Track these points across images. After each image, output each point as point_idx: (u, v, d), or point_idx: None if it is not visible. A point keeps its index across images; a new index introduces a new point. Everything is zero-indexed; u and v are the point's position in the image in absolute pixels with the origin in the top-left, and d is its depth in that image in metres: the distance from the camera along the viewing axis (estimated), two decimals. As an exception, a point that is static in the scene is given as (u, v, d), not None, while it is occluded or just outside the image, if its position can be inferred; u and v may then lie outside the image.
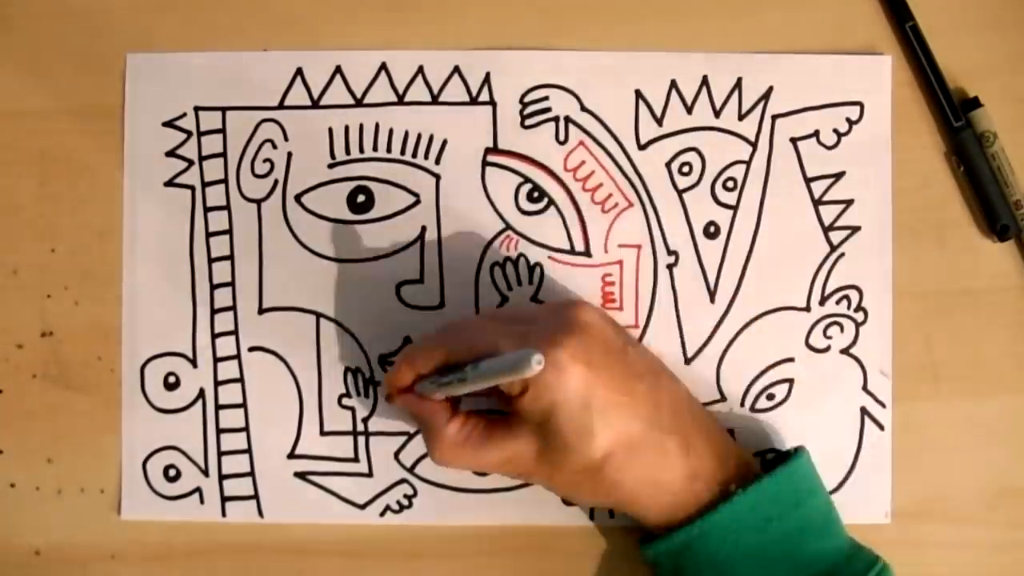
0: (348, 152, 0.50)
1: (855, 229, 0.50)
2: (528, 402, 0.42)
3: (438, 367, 0.44)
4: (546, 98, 0.50)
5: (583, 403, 0.41)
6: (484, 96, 0.50)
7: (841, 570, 0.43)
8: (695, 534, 0.43)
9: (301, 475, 0.50)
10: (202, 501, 0.50)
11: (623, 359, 0.43)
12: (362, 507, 0.50)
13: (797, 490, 0.44)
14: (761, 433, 0.50)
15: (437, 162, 0.50)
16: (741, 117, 0.50)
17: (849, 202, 0.50)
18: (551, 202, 0.50)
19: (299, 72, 0.50)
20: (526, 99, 0.50)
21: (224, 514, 0.50)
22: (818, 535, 0.44)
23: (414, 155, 0.50)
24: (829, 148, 0.50)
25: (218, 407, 0.50)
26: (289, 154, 0.50)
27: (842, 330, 0.50)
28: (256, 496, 0.50)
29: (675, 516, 0.44)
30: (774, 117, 0.50)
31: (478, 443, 0.44)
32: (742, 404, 0.50)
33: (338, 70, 0.50)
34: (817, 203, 0.50)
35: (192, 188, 0.50)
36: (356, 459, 0.50)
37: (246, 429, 0.50)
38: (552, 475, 0.44)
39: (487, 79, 0.50)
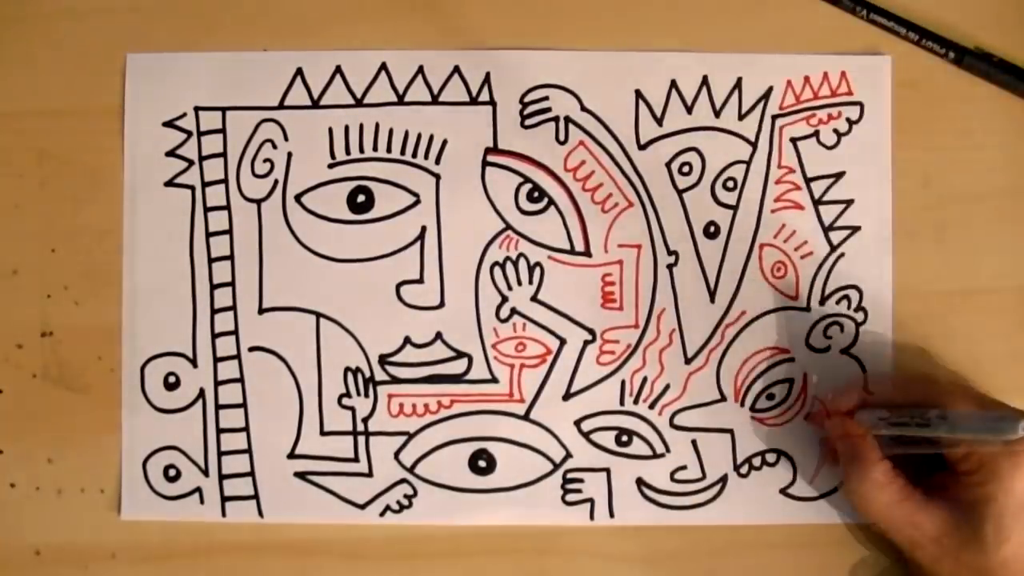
0: (348, 152, 0.50)
1: (855, 229, 0.50)
2: (972, 480, 0.42)
3: (889, 405, 0.44)
4: (546, 98, 0.50)
5: (1018, 509, 0.42)
6: (484, 96, 0.50)
7: None
8: None
9: (301, 475, 0.50)
10: (202, 501, 0.50)
11: None
12: (362, 507, 0.50)
13: None
14: (761, 433, 0.50)
15: (437, 162, 0.50)
16: (741, 117, 0.50)
17: (849, 202, 0.50)
18: (551, 202, 0.50)
19: (299, 72, 0.50)
20: (526, 99, 0.50)
21: (224, 514, 0.50)
22: None
23: (414, 155, 0.50)
24: (829, 148, 0.50)
25: (218, 407, 0.50)
26: (289, 154, 0.50)
27: (842, 330, 0.50)
28: (256, 496, 0.50)
29: None
30: (774, 117, 0.50)
31: (899, 493, 0.44)
32: (742, 404, 0.50)
33: (338, 70, 0.50)
34: (817, 203, 0.50)
35: (192, 188, 0.50)
36: (356, 459, 0.50)
37: (246, 429, 0.50)
38: (941, 561, 0.44)
39: (487, 79, 0.50)
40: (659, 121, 0.50)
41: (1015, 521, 0.42)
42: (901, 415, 0.44)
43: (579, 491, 0.50)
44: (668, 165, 0.50)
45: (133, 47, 0.50)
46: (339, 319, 0.50)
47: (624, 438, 0.50)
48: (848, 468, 0.45)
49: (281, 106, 0.50)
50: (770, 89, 0.50)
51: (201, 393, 0.50)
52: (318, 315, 0.50)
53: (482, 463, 0.50)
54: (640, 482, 0.50)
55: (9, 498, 0.50)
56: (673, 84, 0.50)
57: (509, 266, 0.50)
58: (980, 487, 0.42)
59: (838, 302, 0.50)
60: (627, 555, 0.50)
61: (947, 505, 0.43)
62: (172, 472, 0.50)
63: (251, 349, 0.50)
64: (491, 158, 0.50)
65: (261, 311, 0.50)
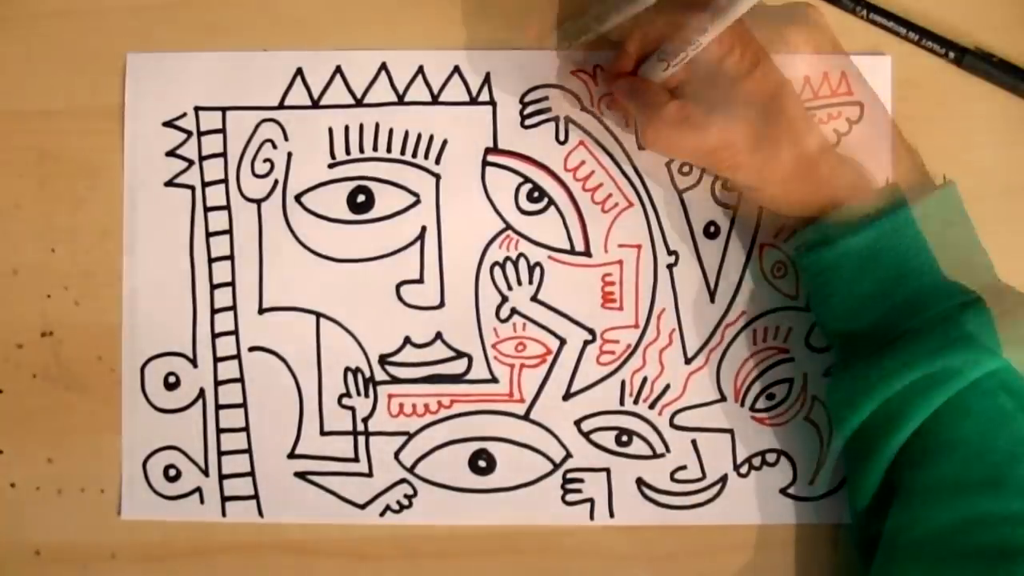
0: (348, 152, 0.50)
1: (855, 229, 0.50)
2: (757, 78, 0.42)
3: (655, 42, 0.44)
4: (546, 98, 0.50)
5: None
6: (484, 96, 0.50)
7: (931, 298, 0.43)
8: (896, 224, 0.43)
9: (301, 475, 0.50)
10: (202, 501, 0.50)
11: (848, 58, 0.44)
12: (362, 507, 0.50)
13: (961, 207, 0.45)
14: (761, 433, 0.50)
15: (437, 162, 0.50)
16: (741, 117, 0.50)
17: (849, 202, 0.50)
18: (551, 202, 0.50)
19: (299, 72, 0.50)
20: (526, 99, 0.50)
21: (224, 514, 0.50)
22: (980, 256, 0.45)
23: (414, 155, 0.50)
24: (829, 148, 0.50)
25: (218, 407, 0.50)
26: (289, 154, 0.50)
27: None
28: (256, 496, 0.50)
29: (861, 212, 0.43)
30: (774, 117, 0.50)
31: (697, 123, 0.43)
32: (742, 404, 0.50)
33: (338, 70, 0.50)
34: (817, 203, 0.50)
35: (192, 188, 0.50)
36: (356, 459, 0.50)
37: (246, 429, 0.50)
38: (763, 167, 0.43)
39: (487, 79, 0.50)
40: (659, 121, 0.50)
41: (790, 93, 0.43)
42: (670, 48, 0.43)
43: (579, 491, 0.50)
44: (668, 165, 0.50)
45: (133, 47, 0.50)
46: (339, 319, 0.50)
47: (624, 438, 0.50)
48: (643, 117, 0.44)
49: (281, 106, 0.50)
50: (770, 89, 0.50)
51: (201, 393, 0.50)
52: (318, 315, 0.50)
53: (482, 463, 0.50)
54: (640, 482, 0.50)
55: (9, 498, 0.50)
56: (673, 84, 0.50)
57: (509, 266, 0.50)
58: (766, 79, 0.42)
59: (838, 302, 0.50)
60: (627, 555, 0.50)
61: (747, 112, 0.43)
62: (172, 472, 0.50)
63: (251, 349, 0.50)
64: (491, 158, 0.50)
65: (261, 311, 0.50)
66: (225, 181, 0.50)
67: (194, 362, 0.50)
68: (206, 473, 0.50)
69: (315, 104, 0.50)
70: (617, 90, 0.46)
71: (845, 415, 0.44)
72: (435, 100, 0.50)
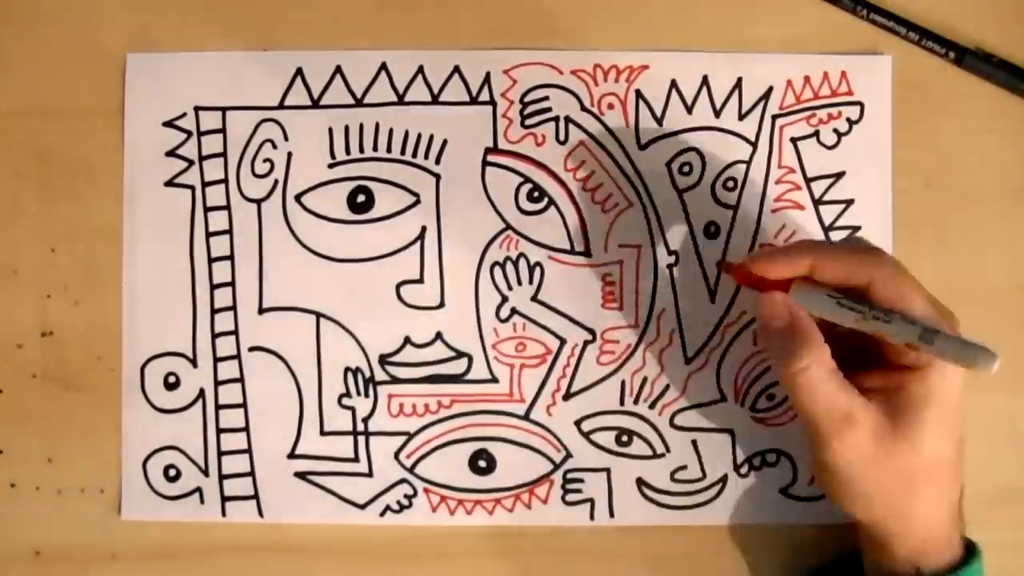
0: (348, 152, 0.50)
1: (855, 229, 0.50)
2: (913, 376, 0.40)
3: (833, 283, 0.41)
4: (546, 98, 0.50)
5: (955, 408, 0.41)
6: (484, 96, 0.50)
7: None
8: None
9: (301, 475, 0.50)
10: (202, 501, 0.50)
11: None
12: (362, 507, 0.50)
13: None
14: (761, 433, 0.50)
15: (437, 162, 0.50)
16: (741, 117, 0.50)
17: (849, 202, 0.50)
18: (551, 202, 0.50)
19: (299, 72, 0.50)
20: (526, 99, 0.50)
21: (224, 514, 0.50)
22: None
23: (414, 155, 0.50)
24: (829, 148, 0.50)
25: (218, 407, 0.50)
26: (289, 154, 0.50)
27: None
28: (256, 496, 0.50)
29: (921, 555, 0.42)
30: (774, 117, 0.50)
31: (840, 383, 0.40)
32: (742, 404, 0.50)
33: (338, 70, 0.50)
34: (817, 203, 0.50)
35: (192, 188, 0.50)
36: (356, 459, 0.50)
37: (246, 429, 0.50)
38: (870, 462, 0.40)
39: (487, 79, 0.50)
40: (659, 121, 0.50)
41: (953, 420, 0.40)
42: (852, 305, 0.40)
43: (579, 491, 0.50)
44: (668, 165, 0.50)
45: (133, 47, 0.50)
46: (339, 319, 0.50)
47: (624, 438, 0.50)
48: (792, 348, 0.40)
49: (281, 106, 0.50)
50: (770, 89, 0.50)
51: (201, 393, 0.50)
52: (318, 315, 0.50)
53: (482, 463, 0.50)
54: (640, 482, 0.50)
55: (9, 498, 0.50)
56: (673, 84, 0.50)
57: (509, 266, 0.50)
58: (920, 384, 0.40)
59: (838, 302, 0.50)
60: (627, 555, 0.50)
61: (883, 400, 0.40)
62: (172, 472, 0.50)
63: (251, 349, 0.50)
64: (491, 158, 0.50)
65: (261, 311, 0.50)
66: (225, 181, 0.50)
67: (194, 362, 0.50)
68: (206, 473, 0.50)
69: (315, 104, 0.50)
70: (770, 303, 0.41)
71: None
72: (435, 100, 0.50)
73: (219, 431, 0.50)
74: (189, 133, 0.50)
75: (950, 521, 0.43)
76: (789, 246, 0.42)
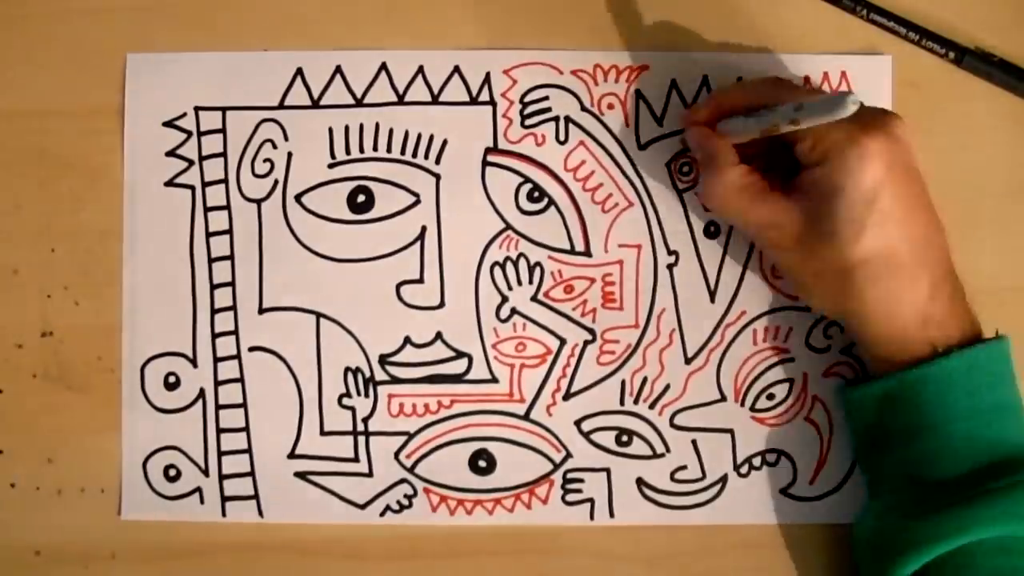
0: (348, 152, 0.50)
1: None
2: (819, 174, 0.42)
3: (744, 107, 0.45)
4: (546, 98, 0.50)
5: (868, 198, 0.42)
6: (484, 96, 0.50)
7: None
8: (909, 381, 0.43)
9: (301, 475, 0.50)
10: (202, 501, 0.50)
11: (918, 183, 0.44)
12: (362, 507, 0.50)
13: (1006, 367, 0.44)
14: (761, 433, 0.50)
15: (437, 162, 0.50)
16: (741, 117, 0.50)
17: (849, 202, 0.50)
18: (551, 202, 0.50)
19: (299, 72, 0.50)
20: (526, 99, 0.50)
21: (224, 514, 0.50)
22: (1017, 417, 0.44)
23: (414, 155, 0.50)
24: (829, 148, 0.50)
25: (218, 407, 0.50)
26: (289, 154, 0.50)
27: (842, 330, 0.50)
28: (256, 496, 0.50)
29: (893, 355, 0.44)
30: (774, 117, 0.50)
31: (754, 195, 0.44)
32: (742, 404, 0.50)
33: (338, 70, 0.50)
34: (817, 203, 0.50)
35: (192, 188, 0.50)
36: (356, 459, 0.50)
37: (246, 429, 0.50)
38: (803, 260, 0.44)
39: (487, 79, 0.50)
40: (659, 121, 0.50)
41: (867, 214, 0.42)
42: (754, 114, 0.44)
43: (579, 491, 0.50)
44: (668, 165, 0.50)
45: (133, 47, 0.50)
46: (339, 319, 0.50)
47: (624, 438, 0.50)
48: (706, 172, 0.45)
49: (281, 106, 0.50)
50: (770, 89, 0.50)
51: (201, 393, 0.50)
52: (318, 315, 0.50)
53: (482, 463, 0.50)
54: (640, 482, 0.50)
55: (9, 498, 0.50)
56: (673, 84, 0.50)
57: (509, 266, 0.50)
58: (828, 178, 0.42)
59: (838, 302, 0.50)
60: (627, 555, 0.50)
61: (802, 202, 0.43)
62: (172, 472, 0.50)
63: (251, 349, 0.50)
64: (491, 158, 0.50)
65: (261, 311, 0.50)
66: (225, 181, 0.50)
67: (194, 362, 0.50)
68: (206, 473, 0.50)
69: (315, 104, 0.50)
70: (691, 136, 0.47)
71: (910, 555, 0.43)
72: (435, 100, 0.50)
73: (219, 431, 0.50)
74: (189, 133, 0.50)
75: (915, 321, 0.43)
76: (705, 98, 0.48)
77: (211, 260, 0.50)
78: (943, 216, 0.50)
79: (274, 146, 0.50)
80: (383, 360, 0.50)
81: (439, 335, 0.50)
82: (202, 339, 0.50)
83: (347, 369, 0.50)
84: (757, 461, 0.50)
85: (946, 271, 0.44)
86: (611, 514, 0.50)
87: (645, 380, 0.50)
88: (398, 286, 0.50)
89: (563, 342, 0.50)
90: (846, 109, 0.39)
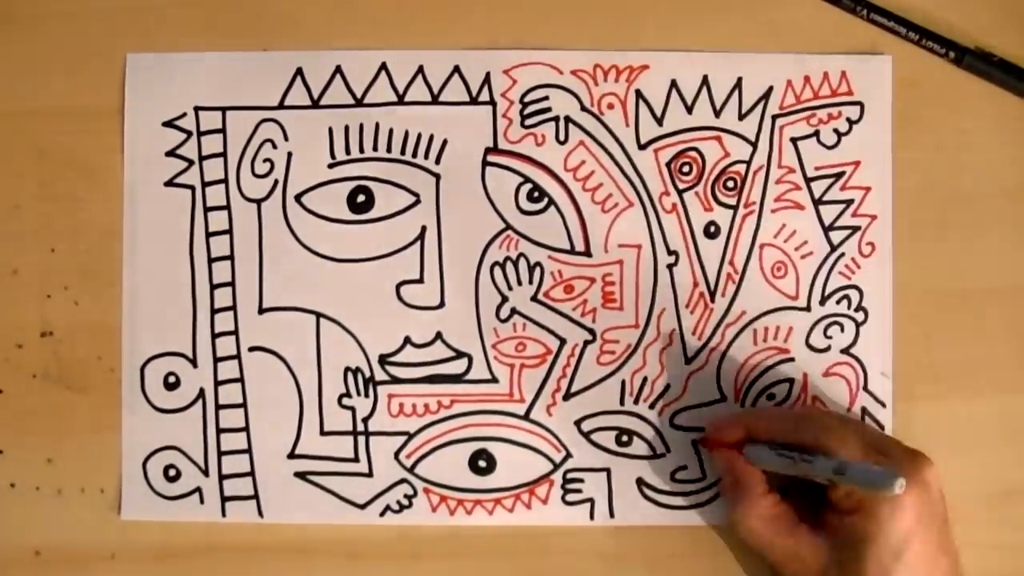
0: (348, 152, 0.50)
1: (855, 229, 0.50)
2: (854, 521, 0.43)
3: (775, 441, 0.45)
4: (546, 98, 0.50)
5: (897, 551, 0.42)
6: (484, 96, 0.50)
7: None
8: None
9: (301, 475, 0.50)
10: (202, 501, 0.50)
11: (945, 530, 0.44)
12: (362, 507, 0.50)
13: None
14: (761, 433, 0.50)
15: (437, 162, 0.50)
16: (741, 117, 0.50)
17: (849, 202, 0.50)
18: (551, 202, 0.50)
19: (299, 72, 0.50)
20: (526, 99, 0.50)
21: (224, 514, 0.50)
22: None
23: (414, 155, 0.50)
24: (829, 148, 0.50)
25: (218, 407, 0.50)
26: (289, 154, 0.50)
27: (842, 330, 0.50)
28: (256, 496, 0.50)
29: None
30: (774, 117, 0.50)
31: (782, 526, 0.45)
32: (742, 404, 0.50)
33: (338, 70, 0.50)
34: (817, 203, 0.50)
35: (192, 188, 0.50)
36: (356, 459, 0.50)
37: (246, 429, 0.50)
38: None
39: (487, 79, 0.50)
40: (659, 121, 0.50)
41: (894, 562, 0.42)
42: (788, 454, 0.44)
43: (579, 491, 0.50)
44: (668, 165, 0.50)
45: (133, 47, 0.50)
46: (339, 319, 0.50)
47: (624, 438, 0.50)
48: (733, 500, 0.46)
49: (281, 106, 0.50)
50: (770, 89, 0.50)
51: (201, 393, 0.50)
52: (318, 315, 0.50)
53: (482, 463, 0.50)
54: (640, 482, 0.50)
55: (9, 498, 0.50)
56: (673, 84, 0.50)
57: (509, 266, 0.50)
58: (859, 527, 0.43)
59: (838, 302, 0.50)
60: (627, 555, 0.50)
61: (829, 542, 0.44)
62: (172, 472, 0.50)
63: (251, 349, 0.50)
64: (491, 158, 0.50)
65: (261, 311, 0.50)
66: (225, 181, 0.50)
67: (194, 362, 0.50)
68: (206, 473, 0.50)
69: (315, 104, 0.50)
70: (718, 460, 0.47)
71: None
72: (435, 100, 0.50)
73: (219, 431, 0.50)
74: (189, 133, 0.50)
75: None
76: (730, 417, 0.48)
77: (211, 260, 0.50)
78: (943, 216, 0.50)
79: (274, 146, 0.50)
80: (383, 360, 0.50)
81: (439, 335, 0.50)
82: (202, 339, 0.50)
83: (347, 369, 0.50)
84: (757, 461, 0.50)
85: None
86: (611, 514, 0.50)
87: (645, 380, 0.50)
88: (398, 286, 0.50)
89: (563, 342, 0.50)
90: (892, 492, 0.39)
